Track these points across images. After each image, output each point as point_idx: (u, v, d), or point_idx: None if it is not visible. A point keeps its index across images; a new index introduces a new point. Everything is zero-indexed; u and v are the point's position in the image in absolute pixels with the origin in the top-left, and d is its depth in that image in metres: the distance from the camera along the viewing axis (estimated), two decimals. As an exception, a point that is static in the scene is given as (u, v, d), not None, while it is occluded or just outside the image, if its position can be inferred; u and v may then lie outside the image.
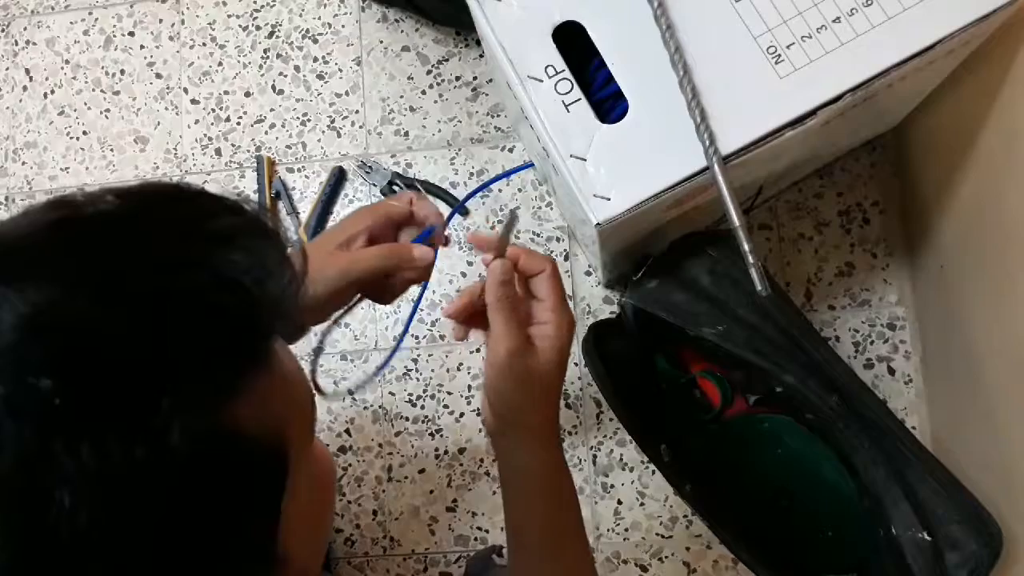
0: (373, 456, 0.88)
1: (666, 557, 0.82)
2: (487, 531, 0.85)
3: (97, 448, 0.25)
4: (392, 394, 0.89)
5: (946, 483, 0.65)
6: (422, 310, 0.89)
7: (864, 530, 0.68)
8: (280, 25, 0.97)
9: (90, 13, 1.01)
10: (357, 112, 0.94)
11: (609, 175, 0.54)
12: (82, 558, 0.26)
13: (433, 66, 0.93)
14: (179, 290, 0.28)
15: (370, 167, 0.92)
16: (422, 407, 0.88)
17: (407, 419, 0.88)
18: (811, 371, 0.66)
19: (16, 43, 1.02)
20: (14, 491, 0.25)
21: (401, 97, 0.93)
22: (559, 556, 0.54)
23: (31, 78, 1.01)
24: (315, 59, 0.96)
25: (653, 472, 0.83)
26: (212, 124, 0.97)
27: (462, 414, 0.87)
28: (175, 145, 0.97)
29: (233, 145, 0.96)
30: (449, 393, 0.88)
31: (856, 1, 0.54)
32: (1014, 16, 0.54)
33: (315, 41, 0.96)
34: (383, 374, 0.87)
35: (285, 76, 0.96)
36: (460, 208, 0.89)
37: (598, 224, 0.54)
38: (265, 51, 0.97)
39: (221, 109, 0.97)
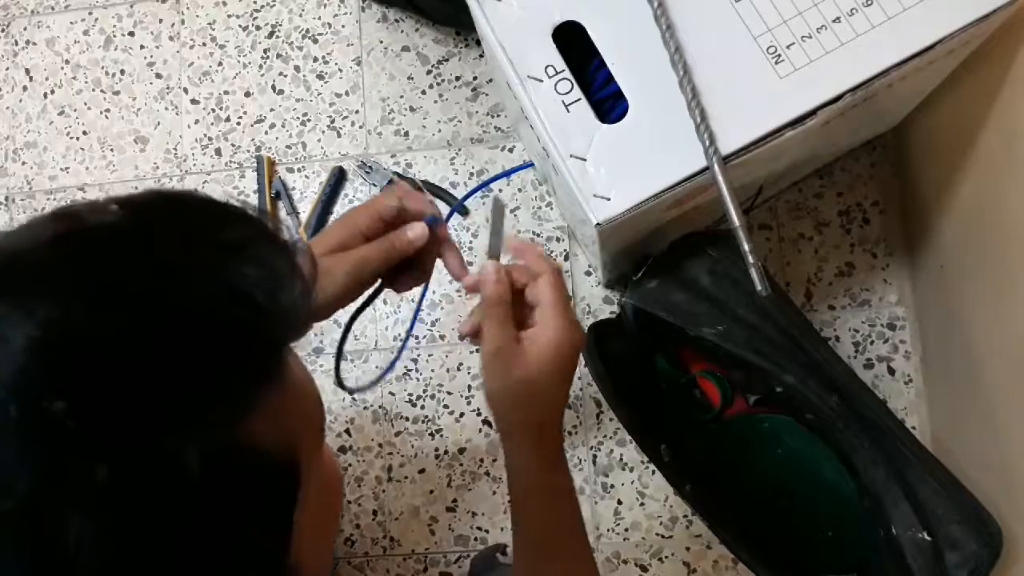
0: (373, 456, 0.88)
1: (666, 557, 0.82)
2: (487, 531, 0.85)
3: (112, 470, 0.25)
4: (392, 394, 0.89)
5: (946, 483, 0.65)
6: (422, 309, 0.89)
7: (864, 530, 0.68)
8: (280, 25, 0.97)
9: (90, 13, 1.01)
10: (357, 112, 0.94)
11: (609, 175, 0.54)
12: None
13: (433, 66, 0.93)
14: (191, 306, 0.28)
15: (370, 167, 0.92)
16: (422, 407, 0.88)
17: (407, 419, 0.88)
18: (811, 371, 0.66)
19: (16, 43, 1.02)
20: (30, 515, 0.25)
21: (401, 97, 0.93)
22: (559, 555, 0.54)
23: (31, 78, 1.01)
24: (315, 59, 0.96)
25: (653, 472, 0.83)
26: (212, 124, 0.97)
27: (462, 414, 0.87)
28: (175, 145, 0.97)
29: (233, 145, 0.96)
30: (449, 393, 0.88)
31: (856, 1, 0.54)
32: (1014, 16, 0.54)
33: (315, 41, 0.96)
34: (389, 353, 0.86)
35: (285, 76, 0.96)
36: (459, 207, 0.89)
37: (598, 224, 0.54)
38: (265, 51, 0.97)
39: (221, 109, 0.97)
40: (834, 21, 0.54)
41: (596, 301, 0.87)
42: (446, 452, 0.87)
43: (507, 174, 0.90)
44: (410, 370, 0.89)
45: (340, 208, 0.93)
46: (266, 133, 0.95)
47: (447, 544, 0.86)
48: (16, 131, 1.00)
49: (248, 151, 0.95)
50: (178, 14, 1.00)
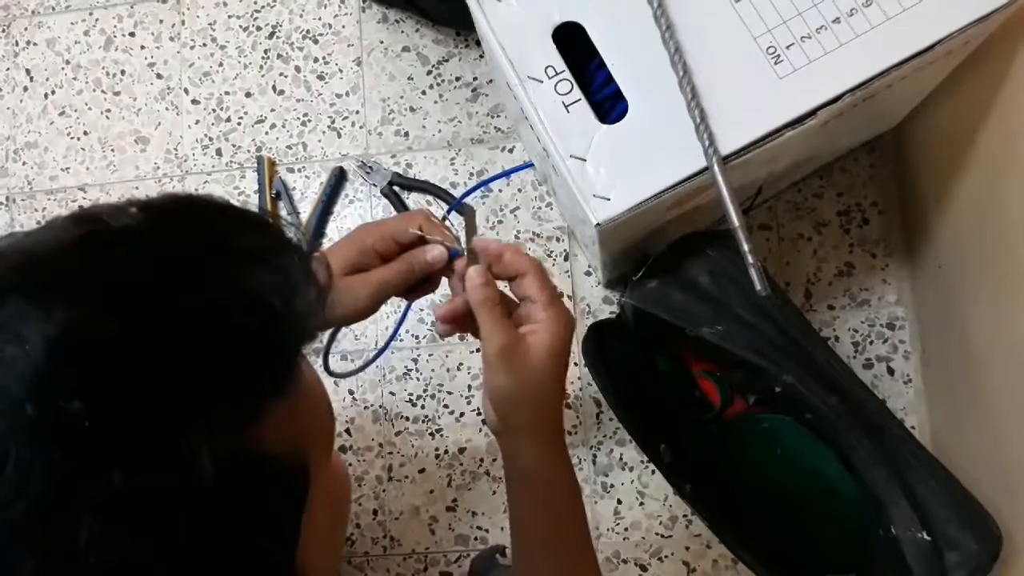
0: (373, 456, 0.88)
1: (666, 557, 0.82)
2: (487, 531, 0.85)
3: (126, 472, 0.25)
4: (392, 394, 0.89)
5: (946, 483, 0.65)
6: (422, 309, 0.89)
7: (864, 530, 0.68)
8: (280, 25, 0.97)
9: (91, 14, 1.01)
10: (357, 112, 0.94)
11: (609, 175, 0.54)
12: None
13: (433, 66, 0.93)
14: (207, 311, 0.28)
15: (370, 167, 0.92)
16: (422, 407, 0.88)
17: (407, 419, 0.88)
18: (811, 371, 0.66)
19: (17, 43, 1.02)
20: (44, 515, 0.25)
21: (401, 97, 0.94)
22: (561, 553, 0.54)
23: (32, 78, 1.01)
24: (315, 59, 0.96)
25: (653, 472, 0.84)
26: (213, 124, 0.97)
27: (462, 414, 0.87)
28: (175, 145, 0.97)
29: (234, 145, 0.96)
30: (449, 393, 0.88)
31: (856, 1, 0.54)
32: (1014, 16, 0.54)
33: (315, 41, 0.96)
34: (388, 352, 0.87)
35: (285, 76, 0.96)
36: (457, 205, 0.89)
37: (598, 224, 0.54)
38: (265, 51, 0.97)
39: (221, 109, 0.97)
40: (834, 21, 0.54)
41: (596, 301, 0.87)
42: (446, 452, 0.87)
43: (507, 174, 0.90)
44: (410, 370, 0.89)
45: (340, 208, 0.93)
46: (266, 133, 0.96)
47: (447, 544, 0.86)
48: (17, 131, 1.00)
49: (249, 151, 0.96)
50: (178, 15, 1.00)
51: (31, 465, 0.25)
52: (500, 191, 0.90)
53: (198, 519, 0.27)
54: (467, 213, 0.54)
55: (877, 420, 0.66)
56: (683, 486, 0.70)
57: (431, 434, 0.87)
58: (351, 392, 0.89)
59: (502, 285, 0.53)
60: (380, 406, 0.89)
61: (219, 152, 0.96)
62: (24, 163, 0.99)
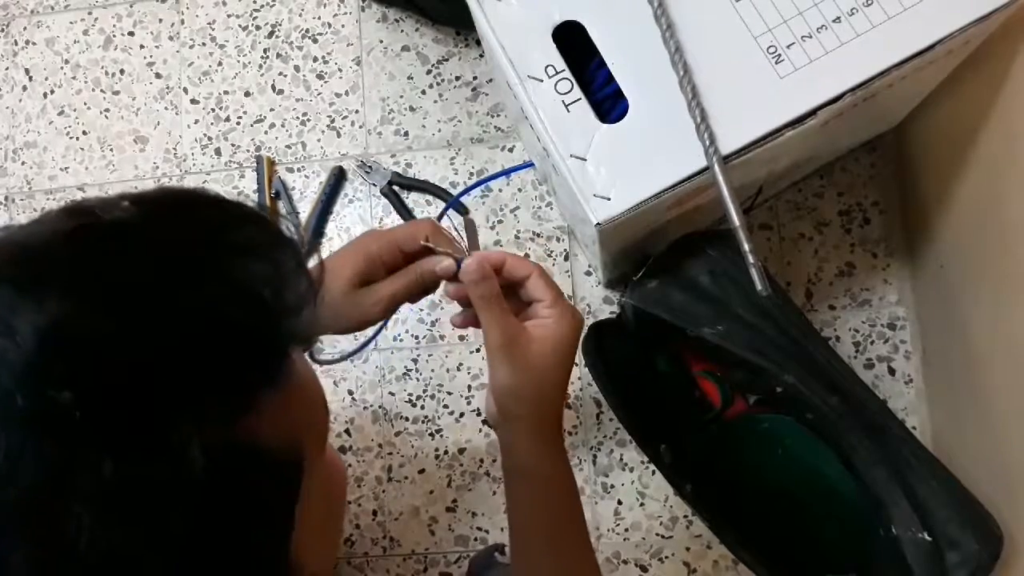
0: (373, 456, 0.88)
1: (666, 557, 0.82)
2: (487, 531, 0.85)
3: (117, 463, 0.25)
4: (392, 394, 0.89)
5: (946, 483, 0.64)
6: (421, 309, 0.89)
7: (864, 530, 0.68)
8: (280, 25, 0.97)
9: (90, 13, 1.01)
10: (357, 112, 0.94)
11: (609, 175, 0.54)
12: (101, 574, 0.26)
13: (433, 66, 0.93)
14: (199, 303, 0.28)
15: (370, 167, 0.92)
16: (422, 407, 0.88)
17: (407, 419, 0.88)
18: (811, 371, 0.66)
19: (16, 43, 1.02)
20: (34, 505, 0.25)
21: (401, 97, 0.93)
22: (559, 550, 0.54)
23: (31, 78, 1.01)
24: (315, 59, 0.96)
25: (653, 472, 0.83)
26: (212, 124, 0.97)
27: (462, 414, 0.87)
28: (175, 145, 0.97)
29: (233, 145, 0.96)
30: (449, 393, 0.88)
31: (856, 1, 0.53)
32: (1014, 16, 0.54)
33: (315, 41, 0.96)
34: (376, 343, 0.87)
35: (285, 76, 0.96)
36: (455, 203, 0.89)
37: (598, 224, 0.54)
38: (265, 51, 0.97)
39: (221, 109, 0.97)
40: (834, 21, 0.54)
41: (596, 301, 0.87)
42: (446, 452, 0.87)
43: (507, 173, 0.90)
44: (410, 370, 0.89)
45: (340, 208, 0.93)
46: (266, 133, 0.95)
47: (447, 544, 0.85)
48: (16, 131, 1.00)
49: (248, 151, 0.95)
50: (178, 14, 1.00)
51: (21, 455, 0.25)
52: (500, 191, 0.90)
53: (190, 510, 0.27)
54: (467, 225, 0.54)
55: (878, 420, 0.66)
56: (683, 486, 0.70)
57: (431, 434, 0.87)
58: (351, 392, 0.89)
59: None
60: (380, 406, 0.88)
61: (218, 152, 0.96)
62: (23, 163, 0.99)
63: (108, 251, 0.28)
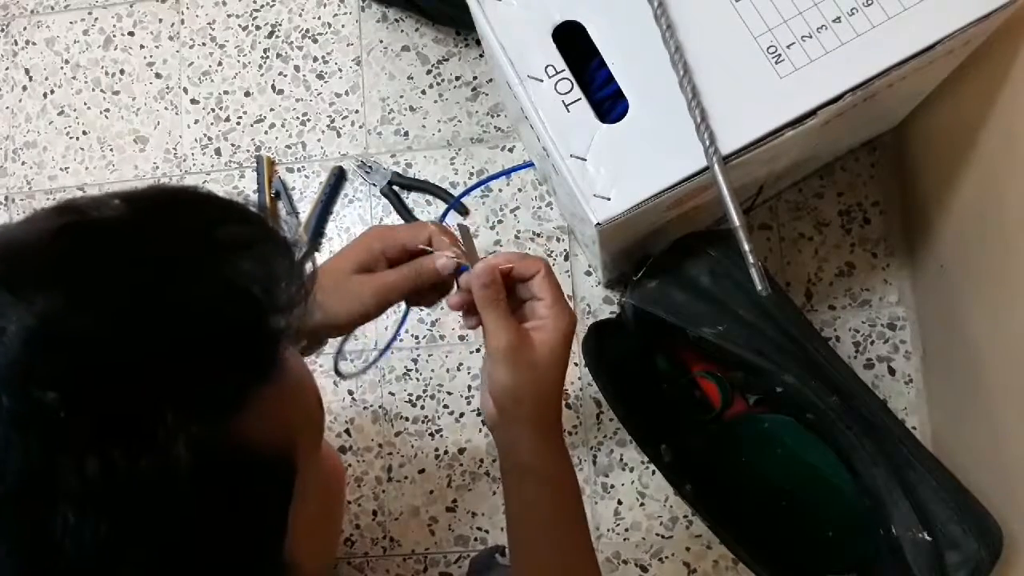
0: (373, 456, 0.88)
1: (666, 557, 0.82)
2: (487, 531, 0.85)
3: (103, 463, 0.25)
4: (392, 394, 0.89)
5: (946, 483, 0.64)
6: (421, 310, 0.89)
7: (864, 530, 0.68)
8: (280, 25, 0.97)
9: (90, 13, 1.01)
10: (357, 112, 0.94)
11: (609, 175, 0.54)
12: (87, 573, 0.26)
13: (433, 66, 0.93)
14: (186, 301, 0.28)
15: (370, 167, 0.92)
16: (422, 407, 0.88)
17: (407, 419, 0.88)
18: (811, 371, 0.66)
19: (16, 43, 1.02)
20: (19, 505, 0.25)
21: (401, 97, 0.93)
22: (561, 550, 0.54)
23: (31, 78, 1.01)
24: (315, 59, 0.96)
25: (653, 472, 0.83)
26: (212, 124, 0.97)
27: (462, 414, 0.87)
28: (175, 145, 0.97)
29: (233, 145, 0.96)
30: (449, 393, 0.88)
31: (856, 1, 0.53)
32: (1014, 16, 0.54)
33: (315, 41, 0.96)
34: (388, 353, 0.87)
35: (285, 76, 0.96)
36: (456, 204, 0.89)
37: (598, 224, 0.54)
38: (265, 51, 0.97)
39: (221, 109, 0.97)
40: (834, 21, 0.54)
41: (596, 301, 0.87)
42: (446, 452, 0.87)
43: (507, 173, 0.90)
44: (410, 370, 0.89)
45: (340, 208, 0.93)
46: (266, 133, 0.95)
47: (447, 544, 0.85)
48: (16, 131, 1.00)
49: (248, 151, 0.95)
50: (178, 14, 1.00)
51: (6, 453, 0.25)
52: (500, 191, 0.90)
53: (177, 509, 0.27)
54: (462, 231, 0.54)
55: (878, 420, 0.66)
56: (683, 486, 0.70)
57: (431, 434, 0.87)
58: (351, 392, 0.89)
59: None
60: (380, 406, 0.88)
61: (218, 152, 0.96)
62: (23, 163, 0.99)
63: (96, 250, 0.28)
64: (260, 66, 0.97)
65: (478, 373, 0.88)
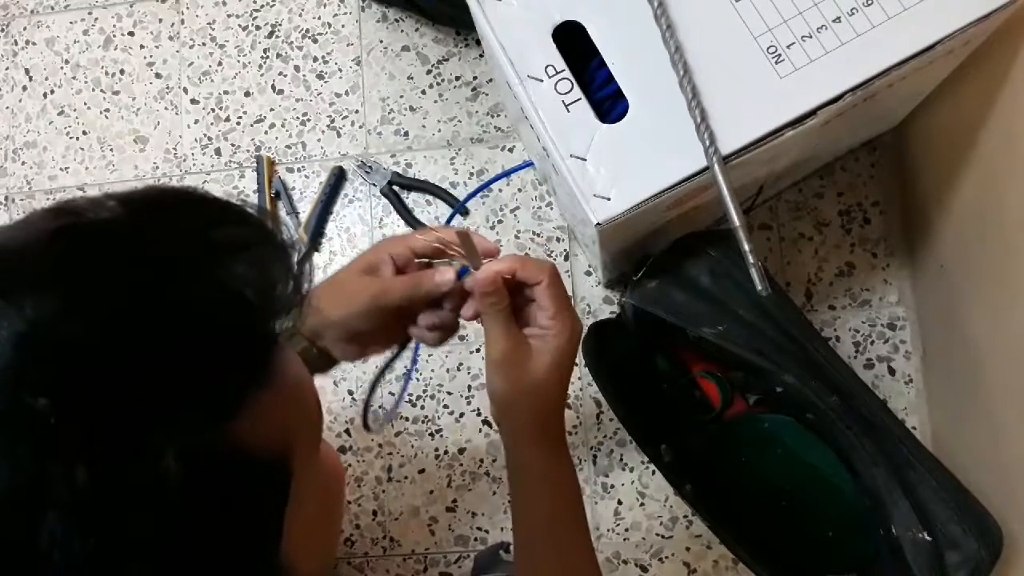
0: (373, 456, 0.88)
1: (666, 557, 0.82)
2: (487, 531, 0.85)
3: (93, 470, 0.25)
4: (392, 394, 0.88)
5: (946, 483, 0.64)
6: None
7: (864, 530, 0.68)
8: (280, 25, 0.97)
9: (90, 13, 1.01)
10: (357, 112, 0.94)
11: (609, 175, 0.54)
12: None
13: (433, 66, 0.93)
14: (180, 305, 0.28)
15: (370, 167, 0.92)
16: (422, 407, 0.88)
17: (407, 419, 0.88)
18: (811, 371, 0.66)
19: (16, 43, 1.02)
20: (7, 512, 0.24)
21: (401, 97, 0.93)
22: (562, 549, 0.54)
23: (31, 78, 1.01)
24: (315, 59, 0.96)
25: (653, 472, 0.83)
26: (212, 124, 0.97)
27: (462, 414, 0.87)
28: (175, 145, 0.97)
29: (233, 145, 0.96)
30: (449, 393, 0.88)
31: (856, 1, 0.53)
32: (1014, 16, 0.54)
33: (315, 41, 0.96)
34: (406, 397, 0.88)
35: (285, 76, 0.96)
36: (461, 208, 0.89)
37: (598, 224, 0.54)
38: (265, 51, 0.97)
39: (221, 109, 0.97)
40: (834, 21, 0.54)
41: (596, 301, 0.87)
42: (446, 452, 0.87)
43: (507, 174, 0.90)
44: (410, 370, 0.89)
45: (340, 208, 0.93)
46: (266, 133, 0.95)
47: (447, 544, 0.85)
48: (16, 131, 1.00)
49: (248, 151, 0.95)
50: (178, 14, 1.00)
51: None
52: (500, 191, 0.90)
53: (169, 516, 0.26)
54: (461, 237, 0.53)
55: (878, 420, 0.66)
56: (683, 486, 0.70)
57: (431, 434, 0.87)
58: (351, 392, 0.89)
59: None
60: (380, 406, 0.88)
61: (218, 152, 0.96)
62: (23, 163, 0.99)
63: (90, 253, 0.28)
64: (260, 66, 0.97)
65: (478, 373, 0.88)
